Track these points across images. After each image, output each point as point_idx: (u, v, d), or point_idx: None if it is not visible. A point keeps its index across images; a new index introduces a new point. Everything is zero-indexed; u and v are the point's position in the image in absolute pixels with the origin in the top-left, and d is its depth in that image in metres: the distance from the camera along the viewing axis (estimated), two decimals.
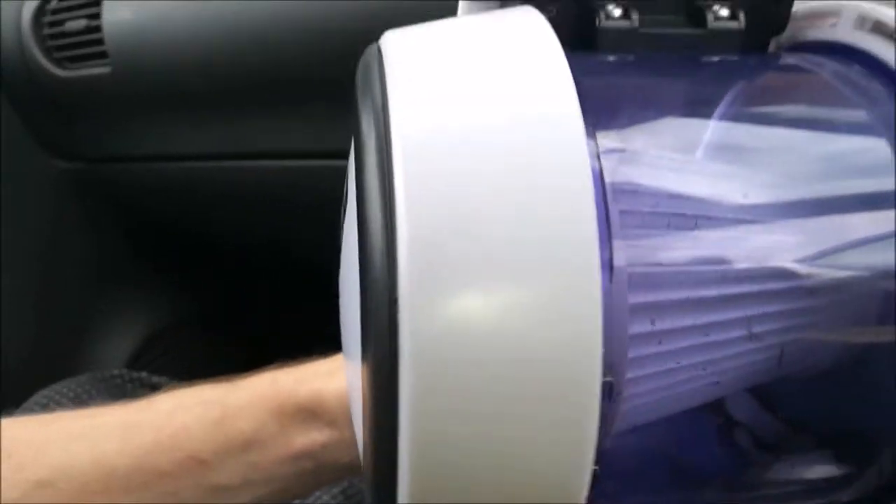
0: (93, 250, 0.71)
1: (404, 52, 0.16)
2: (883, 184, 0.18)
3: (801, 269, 0.17)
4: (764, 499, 0.20)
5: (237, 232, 0.65)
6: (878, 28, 0.19)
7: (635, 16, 0.20)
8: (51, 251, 0.68)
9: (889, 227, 0.18)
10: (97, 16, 0.58)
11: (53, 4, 0.61)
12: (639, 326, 0.16)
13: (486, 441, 0.14)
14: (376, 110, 0.14)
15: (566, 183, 0.14)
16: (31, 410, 0.45)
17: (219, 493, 0.30)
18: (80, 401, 0.46)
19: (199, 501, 0.30)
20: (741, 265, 0.17)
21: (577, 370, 0.13)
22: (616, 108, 0.18)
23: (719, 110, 0.19)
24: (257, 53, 0.50)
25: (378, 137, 0.14)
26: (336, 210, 0.20)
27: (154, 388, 0.47)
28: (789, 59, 0.20)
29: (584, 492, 0.14)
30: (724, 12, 0.20)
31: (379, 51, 0.16)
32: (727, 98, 0.19)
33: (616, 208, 0.16)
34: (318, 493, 0.42)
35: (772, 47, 0.22)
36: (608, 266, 0.15)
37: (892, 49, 0.18)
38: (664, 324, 0.16)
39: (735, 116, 0.19)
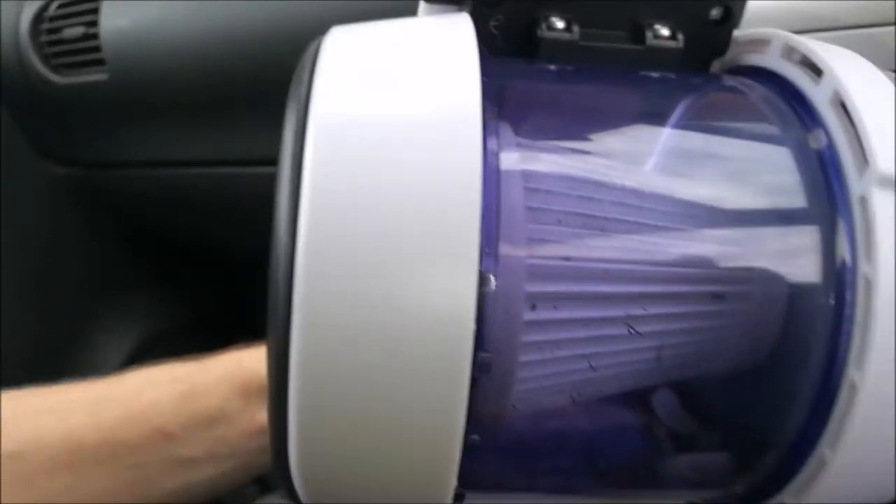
0: (89, 255, 0.71)
1: (338, 47, 0.17)
2: (783, 202, 0.19)
3: (688, 273, 0.18)
4: (662, 485, 0.21)
5: (234, 237, 0.66)
6: (801, 59, 0.20)
7: (577, 28, 0.21)
8: (48, 256, 0.68)
9: (782, 243, 0.19)
10: (95, 23, 0.59)
11: (51, 11, 0.61)
12: (527, 315, 0.17)
13: (365, 399, 0.15)
14: (300, 99, 0.16)
15: (454, 175, 0.15)
16: None
17: (185, 466, 0.31)
18: None
19: (166, 474, 0.31)
20: (630, 266, 0.18)
21: (450, 343, 0.15)
22: (538, 111, 0.20)
23: (637, 121, 0.20)
24: (254, 60, 0.50)
25: (297, 122, 0.16)
26: None
27: None
28: (721, 81, 0.21)
29: (457, 452, 0.15)
30: (665, 32, 0.21)
31: (319, 45, 0.18)
32: (649, 110, 0.20)
33: (518, 203, 0.17)
34: None
35: (715, 68, 0.23)
36: (495, 254, 0.16)
37: (808, 79, 0.19)
38: (550, 314, 0.17)
39: (652, 128, 0.20)
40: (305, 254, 0.15)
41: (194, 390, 0.31)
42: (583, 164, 0.19)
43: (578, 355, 0.18)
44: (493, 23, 0.21)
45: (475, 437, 0.16)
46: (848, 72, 0.18)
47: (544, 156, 0.19)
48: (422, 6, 0.22)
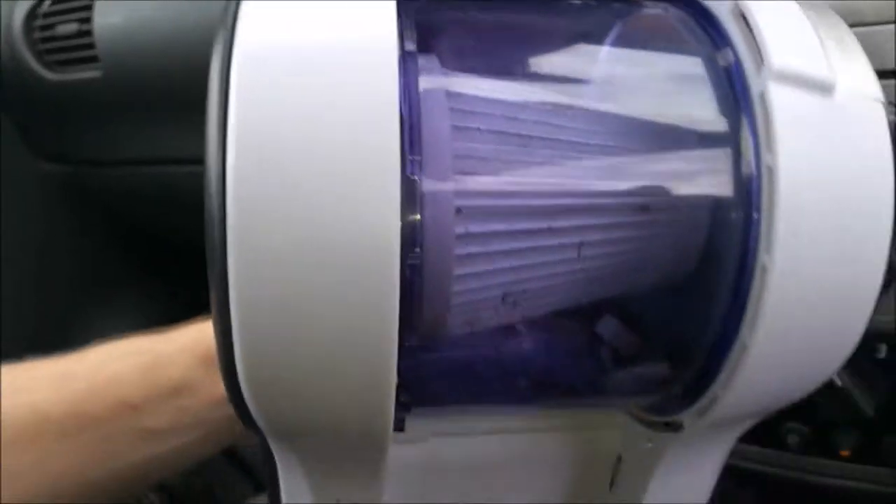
0: (81, 252, 0.71)
1: None
2: (697, 115, 0.20)
3: (612, 186, 0.19)
4: (604, 396, 0.22)
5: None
6: None
7: None
8: (39, 253, 0.68)
9: (698, 154, 0.20)
10: (88, 20, 0.59)
11: (45, 8, 0.61)
12: (456, 227, 0.18)
13: (304, 311, 0.16)
14: (226, 28, 0.17)
15: (372, 93, 0.16)
16: None
17: (151, 436, 0.32)
18: None
19: (133, 446, 0.31)
20: (554, 180, 0.19)
21: (379, 247, 0.16)
22: (461, 39, 0.20)
23: (560, 45, 0.21)
24: None
25: (223, 50, 0.16)
26: None
27: None
28: (640, 4, 0.22)
29: (393, 351, 0.16)
30: None
31: None
32: (570, 34, 0.21)
33: (443, 122, 0.18)
34: None
35: None
36: (420, 167, 0.17)
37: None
38: (478, 227, 0.18)
39: (574, 51, 0.21)
40: (235, 173, 0.15)
41: (157, 361, 0.31)
42: (506, 86, 0.20)
43: (508, 267, 0.19)
44: None
45: (413, 339, 0.17)
46: None
47: (468, 80, 0.19)
48: None
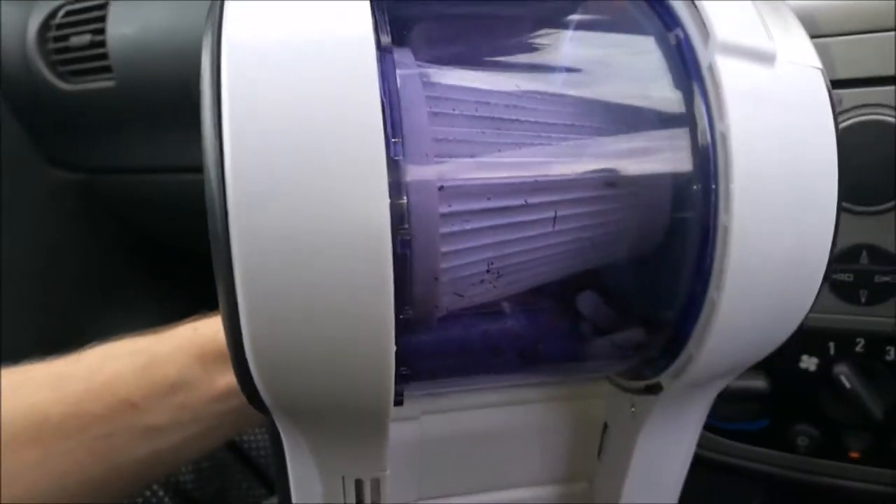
0: (93, 259, 0.72)
1: None
2: (653, 92, 0.22)
3: (580, 163, 0.21)
4: (584, 364, 0.24)
5: None
6: None
7: None
8: (52, 259, 0.68)
9: (658, 129, 0.21)
10: (102, 31, 0.60)
11: (58, 20, 0.63)
12: (442, 207, 0.19)
13: (305, 291, 0.17)
14: (214, 24, 0.18)
15: (353, 84, 0.17)
16: None
17: (151, 433, 0.32)
18: None
19: (133, 443, 0.32)
20: (527, 159, 0.20)
21: (372, 225, 0.17)
22: (432, 31, 0.22)
23: (524, 31, 0.23)
24: None
25: (212, 47, 0.18)
26: None
27: None
28: None
29: (390, 323, 0.17)
30: None
31: None
32: (534, 21, 0.23)
33: (421, 110, 0.19)
34: None
35: None
36: (403, 151, 0.18)
37: None
38: (459, 206, 0.19)
39: (544, 38, 0.23)
40: (232, 166, 0.17)
41: (153, 360, 0.32)
42: (476, 74, 0.21)
43: (491, 243, 0.20)
44: None
45: (409, 311, 0.18)
46: None
47: (441, 70, 0.21)
48: None
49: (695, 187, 0.20)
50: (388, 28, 0.20)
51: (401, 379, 0.19)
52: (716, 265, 0.20)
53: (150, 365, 0.32)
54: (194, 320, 0.35)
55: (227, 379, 0.33)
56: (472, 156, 0.20)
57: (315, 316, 0.17)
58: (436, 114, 0.20)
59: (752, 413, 0.40)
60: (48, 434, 0.31)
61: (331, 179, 0.17)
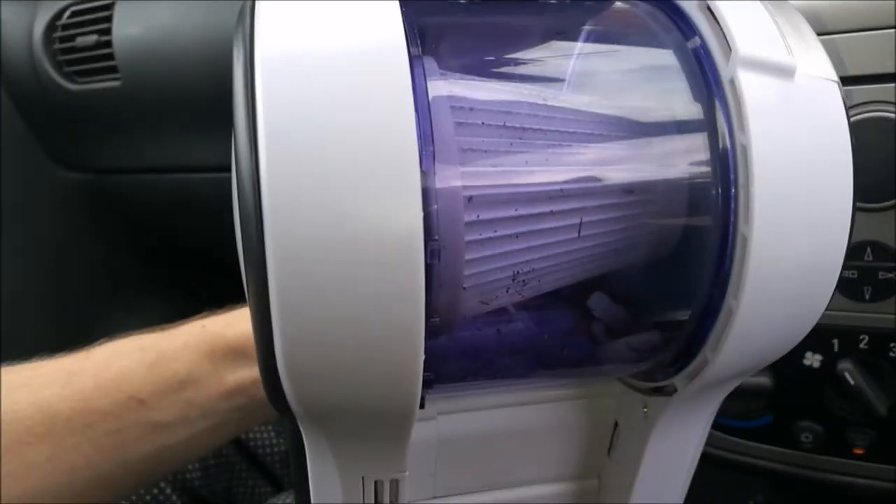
0: (100, 258, 0.72)
1: None
2: (672, 102, 0.22)
3: (601, 171, 0.21)
4: (601, 367, 0.24)
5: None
6: None
7: None
8: (59, 259, 0.69)
9: (676, 137, 0.22)
10: (108, 31, 0.60)
11: (64, 20, 0.63)
12: (468, 215, 0.19)
13: (338, 299, 0.17)
14: (244, 33, 0.18)
15: (389, 95, 0.17)
16: None
17: (159, 430, 0.33)
18: None
19: (142, 439, 0.32)
20: (549, 167, 0.21)
21: (404, 235, 0.17)
22: (456, 43, 0.22)
23: (544, 42, 0.23)
24: None
25: (245, 54, 0.18)
26: None
27: None
28: (613, 1, 0.24)
29: (420, 330, 0.17)
30: None
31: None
32: (553, 32, 0.23)
33: (447, 119, 0.20)
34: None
35: None
36: (433, 163, 0.18)
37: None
38: (485, 213, 0.19)
39: (558, 48, 0.23)
40: (268, 173, 0.17)
41: (162, 357, 0.32)
42: (499, 84, 0.22)
43: (516, 249, 0.21)
44: None
45: (436, 319, 0.19)
46: None
47: (465, 80, 0.21)
48: None
49: (714, 195, 0.21)
50: (417, 37, 0.20)
51: (426, 383, 0.20)
52: (734, 273, 0.20)
53: (158, 362, 0.33)
54: (202, 318, 0.35)
55: (235, 376, 0.33)
56: (497, 165, 0.20)
57: (347, 323, 0.17)
58: (461, 124, 0.20)
59: (756, 410, 0.41)
60: (58, 430, 0.31)
61: (364, 188, 0.17)
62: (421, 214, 0.17)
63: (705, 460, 0.28)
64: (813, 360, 0.38)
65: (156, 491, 0.46)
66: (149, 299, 0.77)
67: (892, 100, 0.34)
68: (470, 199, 0.19)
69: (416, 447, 0.26)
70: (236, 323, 0.34)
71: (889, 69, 0.33)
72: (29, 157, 0.68)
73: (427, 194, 0.18)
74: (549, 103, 0.22)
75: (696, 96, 0.21)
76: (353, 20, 0.18)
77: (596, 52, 0.23)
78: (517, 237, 0.20)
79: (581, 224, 0.20)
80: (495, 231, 0.20)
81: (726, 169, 0.20)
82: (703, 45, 0.21)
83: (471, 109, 0.21)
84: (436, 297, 0.19)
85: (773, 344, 0.23)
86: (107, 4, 0.61)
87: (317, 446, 0.22)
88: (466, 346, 0.22)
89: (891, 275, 0.35)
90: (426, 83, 0.19)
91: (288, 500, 0.48)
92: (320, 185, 0.17)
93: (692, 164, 0.21)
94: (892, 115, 0.33)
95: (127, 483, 0.34)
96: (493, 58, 0.22)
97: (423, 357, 0.18)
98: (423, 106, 0.19)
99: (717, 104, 0.21)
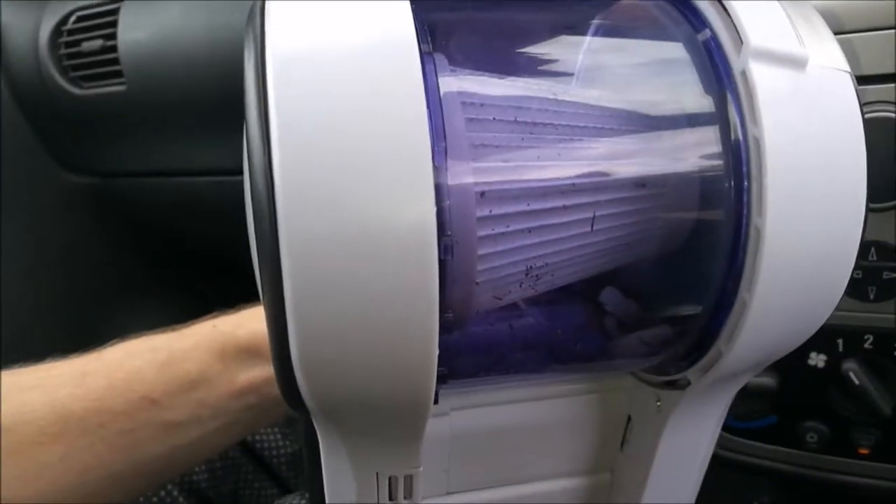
0: (107, 261, 0.73)
1: None
2: (683, 95, 0.22)
3: (612, 165, 0.21)
4: (614, 361, 0.24)
5: (248, 244, 0.70)
6: None
7: None
8: (66, 262, 0.69)
9: (688, 130, 0.22)
10: (113, 36, 0.61)
11: (70, 25, 0.63)
12: (481, 210, 0.19)
13: (353, 296, 0.17)
14: (255, 32, 0.18)
15: (399, 89, 0.17)
16: None
17: (171, 429, 0.33)
18: None
19: (154, 439, 0.32)
20: (561, 162, 0.21)
21: (418, 231, 0.17)
22: (466, 39, 0.22)
23: (555, 37, 0.23)
24: None
25: (256, 52, 0.18)
26: None
27: None
28: None
29: (435, 326, 0.17)
30: None
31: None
32: (564, 27, 0.23)
33: (458, 115, 0.20)
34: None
35: None
36: (445, 159, 0.18)
37: None
38: (497, 208, 0.19)
39: (575, 43, 0.23)
40: (282, 170, 0.17)
41: (173, 357, 0.32)
42: (510, 79, 0.22)
43: (529, 244, 0.21)
44: None
45: (449, 314, 0.19)
46: None
47: (475, 76, 0.21)
48: None
49: (727, 188, 0.21)
50: (427, 34, 0.20)
51: (439, 379, 0.20)
52: (747, 266, 0.20)
53: (169, 362, 0.33)
54: (213, 317, 0.35)
55: (246, 375, 0.33)
56: (508, 160, 0.20)
57: (361, 318, 0.18)
58: (472, 119, 0.20)
59: (760, 410, 0.41)
60: (71, 430, 0.31)
61: (377, 185, 0.17)
62: (434, 210, 0.17)
63: (710, 460, 0.28)
64: (817, 360, 0.38)
65: (163, 493, 0.47)
66: (155, 302, 0.77)
67: (894, 100, 0.33)
68: (482, 194, 0.19)
69: (429, 443, 0.26)
70: (247, 323, 0.34)
71: (890, 69, 0.33)
72: (35, 162, 0.68)
73: (439, 190, 0.18)
74: (560, 98, 0.22)
75: (708, 89, 0.21)
76: (364, 18, 0.18)
77: (606, 46, 0.23)
78: (530, 232, 0.20)
79: (594, 218, 0.20)
80: (508, 226, 0.20)
81: (739, 161, 0.20)
82: (714, 38, 0.21)
83: (482, 105, 0.21)
84: (449, 293, 0.19)
85: (786, 336, 0.23)
86: (112, 9, 0.62)
87: (331, 443, 0.22)
88: (480, 342, 0.22)
89: (895, 274, 0.35)
90: (437, 79, 0.19)
91: (294, 502, 0.48)
92: (333, 182, 0.17)
93: (704, 156, 0.21)
94: (894, 116, 0.33)
95: (139, 483, 0.34)
96: (502, 53, 0.22)
97: (437, 352, 0.18)
98: (434, 102, 0.19)
99: (729, 96, 0.20)
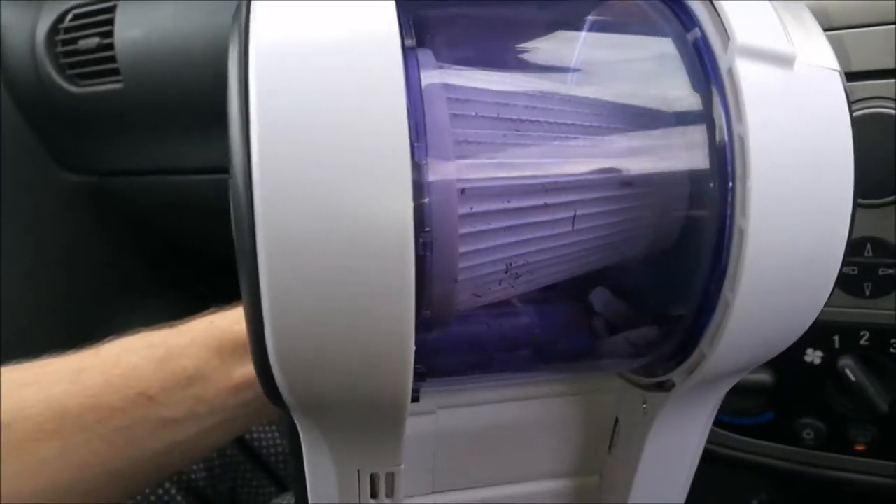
0: (107, 260, 0.73)
1: None
2: (671, 94, 0.22)
3: (597, 163, 0.21)
4: (599, 361, 0.24)
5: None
6: None
7: None
8: (64, 262, 0.69)
9: (675, 128, 0.22)
10: (110, 34, 0.61)
11: (66, 23, 0.63)
12: (461, 208, 0.19)
13: (329, 292, 0.17)
14: (240, 27, 0.18)
15: (380, 85, 0.17)
16: None
17: (168, 426, 0.33)
18: None
19: (151, 435, 0.32)
20: (545, 160, 0.20)
21: (392, 228, 0.17)
22: (452, 34, 0.22)
23: (544, 33, 0.23)
24: None
25: (239, 47, 0.18)
26: None
27: None
28: None
29: (411, 322, 0.17)
30: None
31: None
32: (553, 23, 0.23)
33: (443, 111, 0.19)
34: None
35: None
36: (426, 152, 0.18)
37: None
38: (479, 206, 0.19)
39: (563, 39, 0.23)
40: (260, 164, 0.17)
41: (170, 353, 0.32)
42: (497, 75, 0.22)
43: (510, 243, 0.21)
44: None
45: (427, 312, 0.19)
46: None
47: (462, 71, 0.21)
48: None
49: (711, 187, 0.21)
50: (412, 29, 0.20)
51: (418, 377, 0.20)
52: (730, 266, 0.20)
53: (166, 358, 0.33)
54: (210, 314, 0.35)
55: (243, 371, 0.33)
56: (492, 157, 0.20)
57: (337, 315, 0.17)
58: (457, 115, 0.20)
59: (757, 407, 0.40)
60: (68, 426, 0.31)
61: (355, 180, 0.17)
62: (411, 206, 0.17)
63: (705, 457, 0.28)
64: (814, 356, 0.38)
65: (160, 491, 0.47)
66: (154, 300, 0.77)
67: (893, 96, 0.33)
68: (463, 191, 0.19)
69: (414, 441, 0.26)
70: (244, 319, 0.34)
71: (889, 65, 0.33)
72: (33, 160, 0.68)
73: (420, 186, 0.18)
74: (546, 95, 0.22)
75: (695, 87, 0.21)
76: (347, 14, 0.18)
77: (595, 44, 0.23)
78: (511, 230, 0.20)
79: (575, 217, 0.20)
80: (489, 224, 0.20)
81: (724, 160, 0.20)
82: (703, 36, 0.21)
83: (467, 101, 0.21)
84: (428, 290, 0.19)
85: (771, 339, 0.22)
86: (108, 7, 0.62)
87: (312, 439, 0.22)
88: (460, 340, 0.22)
89: (891, 271, 0.35)
90: (420, 74, 0.19)
91: (292, 500, 0.48)
92: (312, 177, 0.17)
93: (690, 156, 0.21)
94: (893, 112, 0.33)
95: (137, 479, 0.34)
96: (491, 50, 0.22)
97: (413, 350, 0.18)
98: (416, 97, 0.19)
99: (716, 94, 0.20)
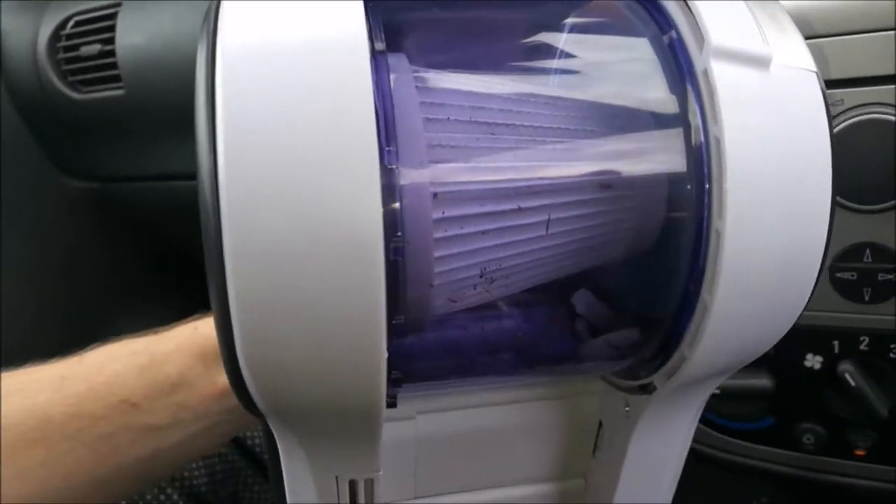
0: (109, 265, 0.73)
1: None
2: (648, 97, 0.22)
3: (575, 166, 0.21)
4: (580, 364, 0.24)
5: None
6: None
7: None
8: (67, 268, 0.69)
9: (652, 131, 0.21)
10: (111, 41, 0.61)
11: (68, 30, 0.64)
12: (434, 212, 0.19)
13: (297, 297, 0.17)
14: (209, 31, 0.18)
15: (345, 88, 0.17)
16: None
17: (152, 433, 0.33)
18: None
19: (135, 442, 0.32)
20: (520, 163, 0.20)
21: (361, 233, 0.17)
22: (426, 37, 0.22)
23: (520, 36, 0.23)
24: None
25: (207, 51, 0.18)
26: None
27: None
28: None
29: (382, 326, 0.17)
30: None
31: None
32: (530, 25, 0.23)
33: (415, 114, 0.19)
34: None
35: None
36: (397, 156, 0.18)
37: None
38: (454, 211, 0.19)
39: (539, 42, 0.23)
40: (226, 170, 0.17)
41: (153, 360, 0.32)
42: (471, 78, 0.22)
43: (484, 247, 0.20)
44: None
45: (401, 317, 0.18)
46: None
47: (435, 74, 0.21)
48: None
49: (688, 190, 0.20)
50: (383, 33, 0.20)
51: (394, 382, 0.20)
52: (708, 268, 0.20)
53: (150, 365, 0.33)
54: (194, 319, 0.35)
55: (226, 377, 0.33)
56: (466, 161, 0.20)
57: (307, 322, 0.17)
58: (430, 119, 0.20)
59: (757, 412, 0.40)
60: (52, 434, 0.31)
61: (324, 186, 0.17)
62: (380, 210, 0.17)
63: (706, 462, 0.28)
64: (814, 361, 0.38)
65: (162, 497, 0.47)
66: (157, 305, 0.77)
67: (892, 102, 0.33)
68: (436, 195, 0.19)
69: (395, 447, 0.26)
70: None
71: (889, 71, 0.33)
72: (34, 166, 0.68)
73: (391, 190, 0.18)
74: (521, 98, 0.21)
75: (672, 89, 0.21)
76: (316, 17, 0.18)
77: (571, 44, 0.23)
78: (484, 234, 0.20)
79: (549, 221, 0.20)
80: (462, 228, 0.20)
81: (700, 162, 0.20)
82: (679, 38, 0.21)
83: (440, 105, 0.21)
84: (402, 295, 0.19)
85: (751, 340, 0.22)
86: (110, 14, 0.62)
87: (288, 446, 0.22)
88: (437, 344, 0.22)
89: (890, 276, 0.35)
90: (390, 78, 0.19)
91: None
92: (280, 180, 0.17)
93: (665, 158, 0.21)
94: (892, 118, 0.33)
95: (122, 487, 0.34)
96: (465, 53, 0.22)
97: (385, 355, 0.18)
98: (386, 101, 0.18)
99: (692, 96, 0.20)
